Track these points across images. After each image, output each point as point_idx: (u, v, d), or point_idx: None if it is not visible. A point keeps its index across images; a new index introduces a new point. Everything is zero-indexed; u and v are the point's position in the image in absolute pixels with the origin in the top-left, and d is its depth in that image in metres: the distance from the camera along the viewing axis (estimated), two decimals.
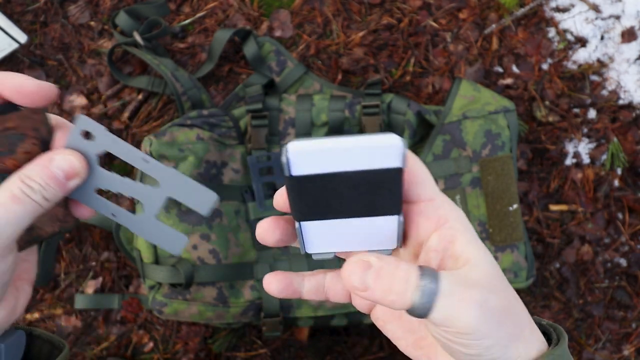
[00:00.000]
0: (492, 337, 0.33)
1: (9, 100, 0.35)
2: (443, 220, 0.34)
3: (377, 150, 0.31)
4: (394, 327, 0.40)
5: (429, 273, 0.32)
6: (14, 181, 0.34)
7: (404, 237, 0.37)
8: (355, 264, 0.32)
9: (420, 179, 0.34)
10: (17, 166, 0.35)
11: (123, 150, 0.37)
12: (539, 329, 0.39)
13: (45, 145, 0.37)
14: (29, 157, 0.36)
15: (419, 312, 0.32)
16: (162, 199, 0.38)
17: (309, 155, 0.31)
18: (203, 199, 0.37)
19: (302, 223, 0.36)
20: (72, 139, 0.36)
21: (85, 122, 0.36)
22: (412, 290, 0.32)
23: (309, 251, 0.38)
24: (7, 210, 0.33)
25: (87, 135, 0.36)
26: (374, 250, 0.37)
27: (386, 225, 0.35)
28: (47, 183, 0.34)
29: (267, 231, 0.36)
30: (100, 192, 0.39)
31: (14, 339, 0.41)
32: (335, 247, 0.37)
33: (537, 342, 0.37)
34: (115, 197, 0.95)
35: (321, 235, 0.37)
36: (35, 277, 0.41)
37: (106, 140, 0.37)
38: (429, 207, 0.35)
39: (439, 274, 0.32)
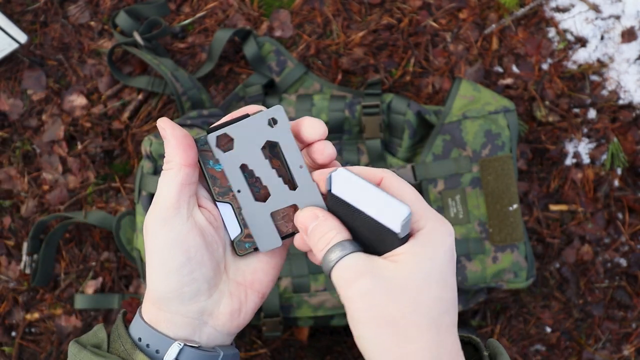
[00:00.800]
0: (361, 330, 0.37)
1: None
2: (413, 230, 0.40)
3: (387, 211, 0.38)
4: None
5: (346, 246, 0.39)
6: None
7: None
8: (308, 212, 0.42)
9: (399, 196, 0.40)
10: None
11: (289, 149, 0.42)
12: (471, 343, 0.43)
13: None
14: None
15: (325, 269, 0.40)
16: (289, 202, 0.43)
17: (344, 184, 0.39)
18: None
19: None
20: (252, 120, 0.41)
21: (278, 111, 0.41)
22: (325, 250, 0.40)
23: None
24: (160, 182, 0.42)
25: (272, 122, 0.41)
26: None
27: None
28: (169, 152, 0.41)
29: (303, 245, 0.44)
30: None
31: (232, 354, 0.45)
32: None
33: None
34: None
35: None
36: (267, 295, 0.46)
37: (282, 135, 0.41)
38: None
39: (356, 252, 0.39)
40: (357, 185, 0.39)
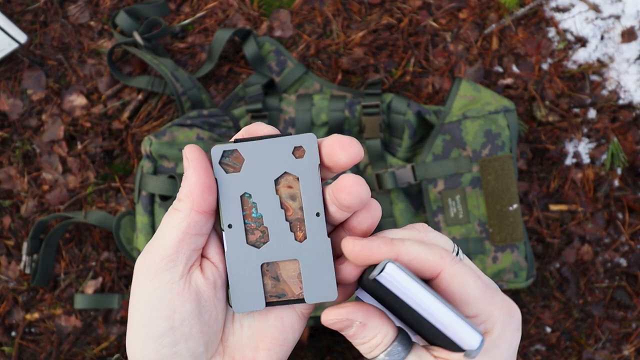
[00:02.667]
0: None
1: None
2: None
3: (454, 328, 0.31)
4: None
5: (396, 352, 0.33)
6: None
7: None
8: (345, 313, 0.33)
9: (458, 297, 0.32)
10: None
11: (310, 189, 0.34)
12: None
13: None
14: (291, 192, 0.36)
15: None
16: (289, 255, 0.35)
17: (396, 281, 0.31)
18: None
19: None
20: (274, 142, 0.34)
21: (309, 140, 0.34)
22: (372, 356, 0.33)
23: None
24: (162, 223, 0.34)
25: (298, 152, 0.34)
26: None
27: None
28: (184, 189, 0.34)
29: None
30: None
31: None
32: None
33: None
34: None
35: None
36: None
37: (307, 170, 0.34)
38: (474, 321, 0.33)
39: (411, 353, 0.33)
40: (413, 290, 0.31)
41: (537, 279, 0.96)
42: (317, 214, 0.34)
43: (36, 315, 0.93)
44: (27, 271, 0.92)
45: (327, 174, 0.35)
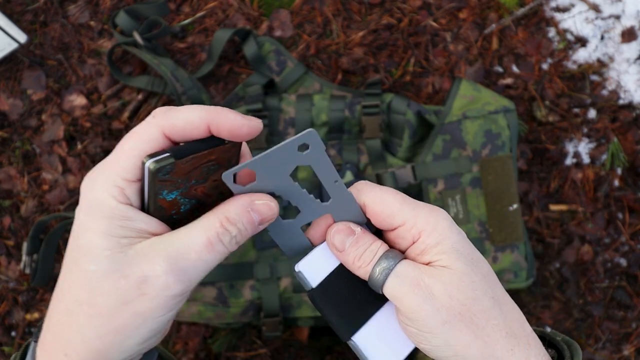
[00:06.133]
0: (439, 337, 0.35)
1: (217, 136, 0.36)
2: (416, 238, 0.37)
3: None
4: None
5: (393, 255, 0.37)
6: (213, 223, 0.33)
7: None
8: (343, 226, 0.38)
9: (385, 214, 0.37)
10: (205, 194, 0.37)
11: (324, 169, 0.37)
12: (553, 344, 0.40)
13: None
14: (216, 184, 0.37)
15: (374, 283, 0.37)
16: (322, 213, 0.39)
17: (313, 264, 0.39)
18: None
19: (354, 339, 0.39)
20: (280, 150, 0.35)
21: (311, 137, 0.36)
22: (374, 263, 0.37)
23: None
24: (200, 259, 0.33)
25: (303, 147, 0.36)
26: None
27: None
28: (245, 228, 0.34)
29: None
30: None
31: (152, 357, 0.41)
32: (398, 355, 0.40)
33: None
34: None
35: (375, 344, 0.39)
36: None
37: (316, 159, 0.36)
38: (402, 231, 0.38)
39: (402, 260, 0.37)
40: (316, 255, 0.38)
41: (537, 279, 0.96)
42: (336, 181, 0.38)
43: (36, 315, 0.93)
44: (27, 271, 0.92)
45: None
